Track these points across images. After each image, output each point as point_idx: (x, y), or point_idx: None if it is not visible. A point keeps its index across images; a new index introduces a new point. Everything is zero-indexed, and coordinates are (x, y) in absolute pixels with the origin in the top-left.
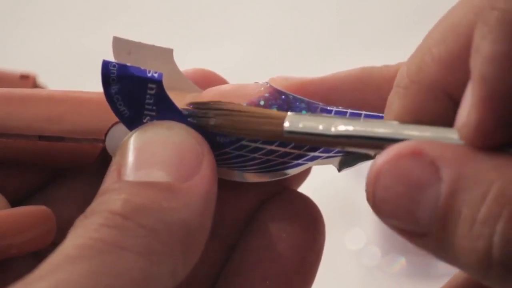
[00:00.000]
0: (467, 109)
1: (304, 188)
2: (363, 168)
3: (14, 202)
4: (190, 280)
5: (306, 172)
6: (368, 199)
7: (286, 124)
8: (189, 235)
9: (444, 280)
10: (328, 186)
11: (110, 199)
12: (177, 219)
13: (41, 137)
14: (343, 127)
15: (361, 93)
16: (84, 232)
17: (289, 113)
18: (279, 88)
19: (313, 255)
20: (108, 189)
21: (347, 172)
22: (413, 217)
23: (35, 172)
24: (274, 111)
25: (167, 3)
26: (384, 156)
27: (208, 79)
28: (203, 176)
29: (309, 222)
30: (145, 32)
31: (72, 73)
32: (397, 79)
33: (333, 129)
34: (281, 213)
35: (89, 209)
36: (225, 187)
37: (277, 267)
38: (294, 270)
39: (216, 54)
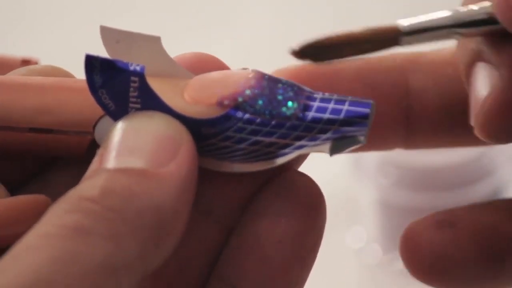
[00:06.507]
0: None
1: None
2: (365, 166)
3: (11, 189)
4: (188, 263)
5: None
6: None
7: (404, 23)
8: (161, 221)
9: None
10: (329, 184)
11: (82, 186)
12: (147, 203)
13: (31, 129)
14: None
15: (365, 79)
16: (48, 219)
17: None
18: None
19: (312, 239)
20: (86, 177)
21: (348, 170)
22: None
23: (29, 160)
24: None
25: (167, 3)
26: None
27: (206, 64)
28: (179, 163)
29: (308, 204)
30: (145, 32)
31: (72, 73)
32: None
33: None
34: (280, 196)
35: (61, 198)
36: (221, 172)
37: (275, 251)
38: (293, 255)
39: (216, 54)
